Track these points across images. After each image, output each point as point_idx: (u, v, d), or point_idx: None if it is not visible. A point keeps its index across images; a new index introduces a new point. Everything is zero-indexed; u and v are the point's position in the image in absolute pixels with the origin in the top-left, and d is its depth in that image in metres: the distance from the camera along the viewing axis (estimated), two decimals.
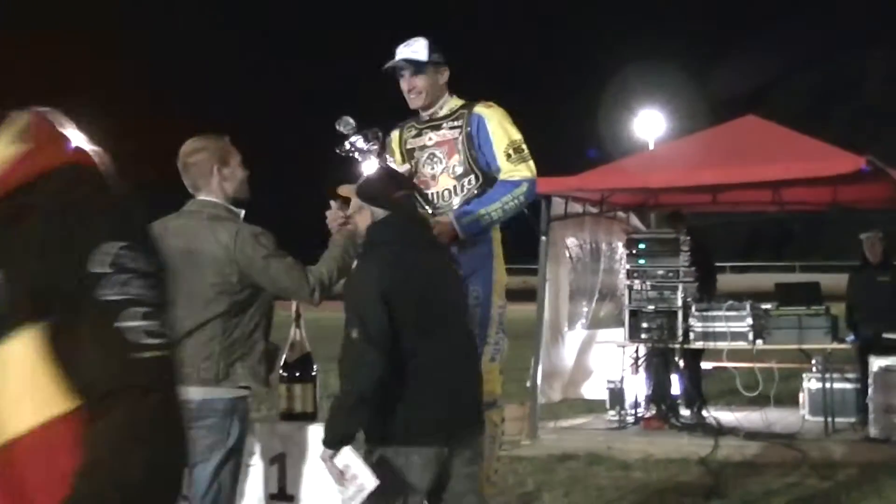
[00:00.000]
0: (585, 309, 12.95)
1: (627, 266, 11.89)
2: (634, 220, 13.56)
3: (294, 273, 5.00)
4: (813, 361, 11.82)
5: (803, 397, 11.92)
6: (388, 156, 6.06)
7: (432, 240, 5.17)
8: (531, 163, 6.03)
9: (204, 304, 4.88)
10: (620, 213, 13.51)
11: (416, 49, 6.03)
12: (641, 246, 11.81)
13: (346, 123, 5.89)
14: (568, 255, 12.63)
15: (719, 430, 11.04)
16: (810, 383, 11.84)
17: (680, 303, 11.54)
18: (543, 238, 11.85)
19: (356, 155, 5.91)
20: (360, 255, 4.95)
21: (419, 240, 4.98)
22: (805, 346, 11.48)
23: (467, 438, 4.89)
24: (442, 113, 6.13)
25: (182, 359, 2.28)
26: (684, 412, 11.79)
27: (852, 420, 11.37)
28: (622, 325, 12.04)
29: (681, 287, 11.56)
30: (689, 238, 11.78)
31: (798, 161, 11.10)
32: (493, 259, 6.09)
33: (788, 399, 12.60)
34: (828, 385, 11.33)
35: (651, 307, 11.63)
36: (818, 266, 46.55)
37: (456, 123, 6.09)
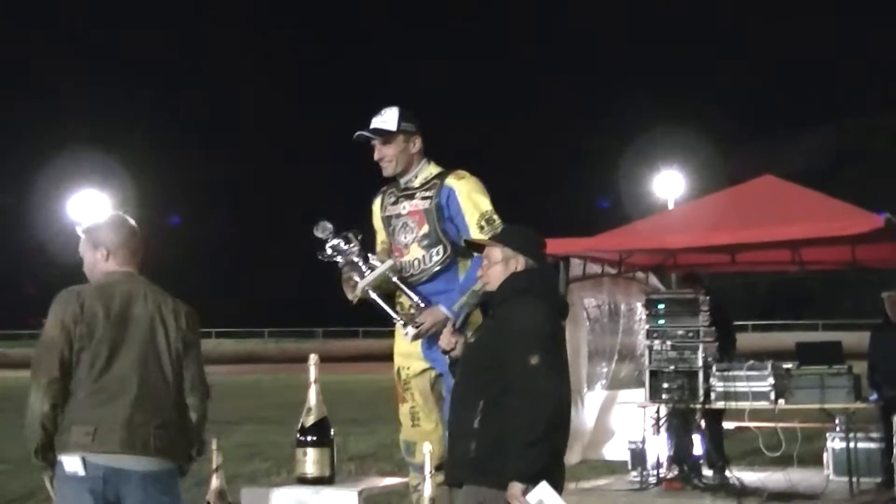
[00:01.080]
0: (605, 369, 12.91)
1: (647, 326, 11.84)
2: (653, 280, 13.53)
3: None
4: (836, 421, 11.72)
5: (827, 457, 11.82)
6: (370, 255, 6.05)
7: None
8: None
9: None
10: (639, 274, 13.48)
11: (386, 119, 6.15)
12: (660, 306, 11.76)
13: (323, 228, 5.96)
14: (586, 315, 12.61)
15: (742, 491, 10.94)
16: (834, 443, 11.75)
17: (700, 363, 11.47)
18: None
19: (338, 258, 5.95)
20: (507, 301, 4.98)
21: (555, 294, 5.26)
22: (827, 406, 11.39)
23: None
24: (416, 182, 6.24)
25: None
26: (706, 473, 11.69)
27: (878, 480, 11.26)
28: (642, 385, 11.96)
29: (701, 347, 11.50)
30: (708, 298, 11.73)
31: (816, 221, 11.09)
32: None
33: (812, 459, 12.48)
34: (851, 444, 11.23)
35: (671, 367, 11.57)
36: (839, 325, 46.31)
37: (428, 194, 6.19)
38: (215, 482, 5.68)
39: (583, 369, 12.48)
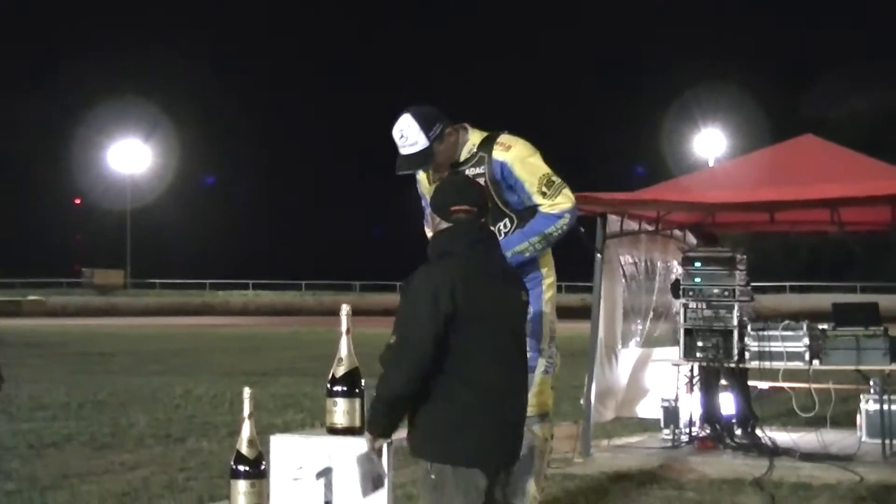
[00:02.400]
0: (640, 327, 12.88)
1: (683, 284, 11.80)
2: (691, 239, 13.47)
3: None
4: (871, 383, 11.68)
5: (860, 419, 11.78)
6: None
7: (496, 260, 5.04)
8: (567, 190, 5.97)
9: None
10: (677, 232, 13.42)
11: (412, 139, 5.81)
12: (697, 264, 11.72)
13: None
14: (623, 273, 12.57)
15: (774, 451, 10.93)
16: (868, 405, 11.70)
17: (735, 322, 11.44)
18: (599, 256, 11.80)
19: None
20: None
21: (481, 258, 4.90)
22: (862, 368, 11.34)
23: (509, 467, 4.95)
24: (462, 157, 6.01)
25: None
26: (739, 432, 11.70)
27: None
28: (677, 343, 11.95)
29: (736, 306, 11.47)
30: (745, 257, 11.68)
31: (857, 180, 11.00)
32: (543, 274, 6.10)
33: (845, 421, 12.47)
34: (885, 407, 11.20)
35: (706, 326, 11.54)
36: (880, 287, 45.99)
37: (478, 171, 5.95)
38: (246, 430, 5.72)
39: (618, 326, 12.46)
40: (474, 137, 6.03)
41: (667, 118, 75.82)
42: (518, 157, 5.93)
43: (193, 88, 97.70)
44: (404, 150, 5.80)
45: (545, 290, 6.10)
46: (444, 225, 4.84)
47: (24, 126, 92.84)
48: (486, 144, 5.98)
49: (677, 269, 12.62)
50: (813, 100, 71.95)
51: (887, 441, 11.00)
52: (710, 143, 73.20)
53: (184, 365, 24.37)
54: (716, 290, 11.57)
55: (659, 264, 13.23)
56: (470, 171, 5.96)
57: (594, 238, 11.81)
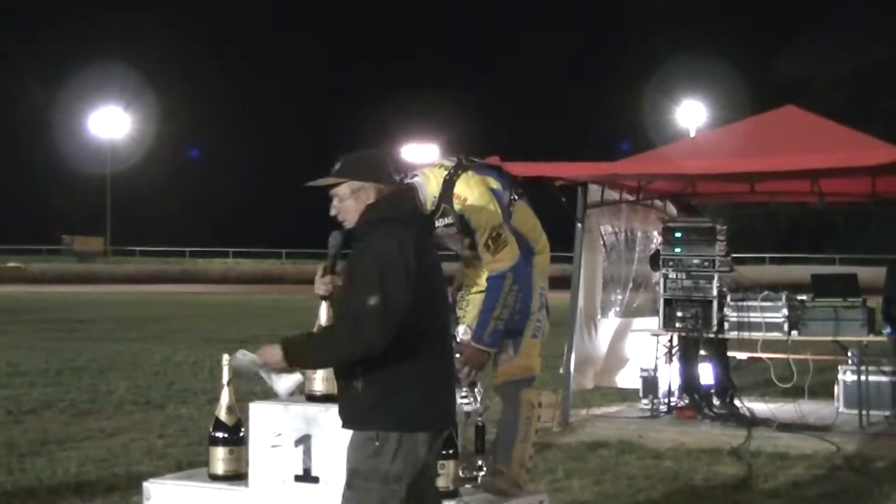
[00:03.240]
0: (619, 297, 12.90)
1: (663, 254, 11.82)
2: (671, 209, 13.48)
3: None
4: (849, 354, 11.74)
5: (838, 390, 11.84)
6: None
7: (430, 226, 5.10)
8: (512, 245, 6.01)
9: None
10: (657, 202, 13.43)
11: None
12: (677, 235, 11.74)
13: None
14: (603, 242, 12.58)
15: (752, 421, 10.99)
16: (845, 376, 11.77)
17: (715, 292, 11.47)
18: (579, 225, 11.81)
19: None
20: (366, 234, 4.74)
21: (422, 222, 4.95)
22: (841, 338, 11.39)
23: (446, 430, 4.98)
24: (428, 208, 6.01)
25: None
26: (717, 402, 11.75)
27: (887, 413, 11.31)
28: (656, 314, 11.98)
29: (716, 277, 11.50)
30: (725, 228, 11.71)
31: (837, 151, 11.02)
32: (534, 241, 6.16)
33: (823, 391, 12.55)
34: (863, 378, 11.26)
35: (686, 296, 11.57)
36: (858, 259, 46.20)
37: (448, 220, 6.04)
38: (225, 397, 5.72)
39: (597, 296, 12.48)
40: (432, 185, 6.03)
41: (646, 91, 75.87)
42: (473, 208, 6.00)
43: (174, 54, 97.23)
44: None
45: (537, 254, 6.15)
46: (380, 189, 4.77)
47: (3, 91, 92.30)
48: (445, 197, 6.02)
49: (657, 240, 12.64)
50: (790, 64, 72.01)
51: (864, 412, 11.07)
52: (690, 114, 73.31)
53: (163, 332, 24.34)
54: (695, 261, 11.59)
55: (639, 234, 13.24)
56: (441, 224, 6.03)
57: (575, 207, 11.82)
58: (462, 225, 6.02)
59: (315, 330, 5.03)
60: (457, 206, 6.00)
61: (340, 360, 4.70)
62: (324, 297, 5.07)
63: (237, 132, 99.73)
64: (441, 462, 5.31)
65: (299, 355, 4.69)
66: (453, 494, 5.46)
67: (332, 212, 4.82)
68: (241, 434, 5.65)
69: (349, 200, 4.76)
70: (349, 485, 4.67)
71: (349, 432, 4.77)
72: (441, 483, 5.34)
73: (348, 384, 4.68)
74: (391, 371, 4.59)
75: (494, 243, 5.96)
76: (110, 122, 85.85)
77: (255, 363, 4.78)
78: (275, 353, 4.68)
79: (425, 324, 4.65)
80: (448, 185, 6.02)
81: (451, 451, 5.42)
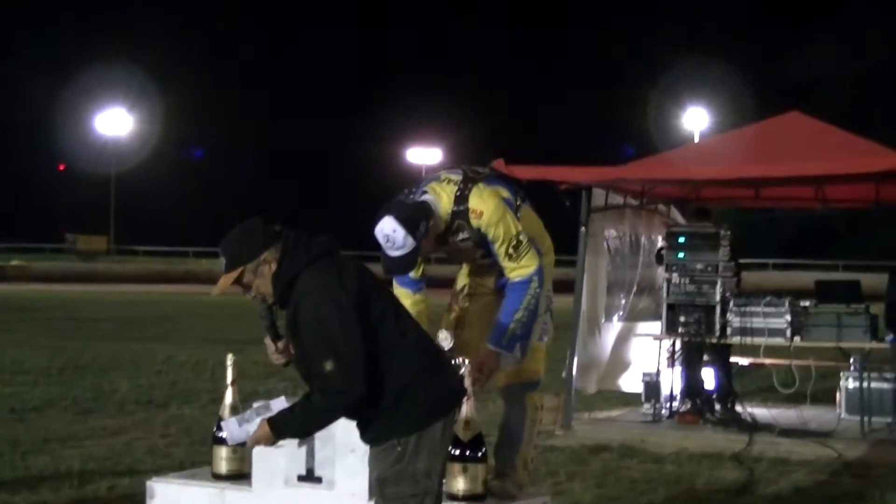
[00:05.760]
0: (623, 301, 12.89)
1: (666, 259, 11.83)
2: (675, 214, 13.49)
3: None
4: (851, 360, 11.74)
5: (840, 396, 11.84)
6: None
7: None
8: (532, 252, 5.98)
9: None
10: (661, 207, 13.44)
11: (399, 244, 5.69)
12: (681, 240, 11.75)
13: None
14: (607, 246, 12.58)
15: (754, 427, 10.99)
16: (848, 382, 11.76)
17: (718, 297, 11.48)
18: (583, 229, 11.81)
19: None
20: (290, 303, 4.66)
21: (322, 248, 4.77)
22: (843, 345, 11.39)
23: (459, 404, 5.01)
24: (442, 228, 5.95)
25: None
26: (719, 407, 11.75)
27: (889, 420, 11.31)
28: (659, 318, 11.99)
29: (719, 282, 11.51)
30: (728, 233, 11.71)
31: (842, 157, 11.03)
32: (540, 244, 6.16)
33: (825, 397, 12.55)
34: (865, 384, 11.26)
35: (689, 301, 11.58)
36: (862, 266, 46.10)
37: (463, 235, 5.99)
38: (229, 397, 5.74)
39: (601, 300, 12.47)
40: (444, 202, 5.95)
41: (652, 97, 75.81)
42: (490, 222, 5.92)
43: (178, 54, 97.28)
44: (391, 253, 5.70)
45: (543, 256, 6.17)
46: (274, 254, 4.67)
47: (8, 91, 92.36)
48: (460, 213, 5.95)
49: (662, 245, 12.63)
50: (797, 68, 71.88)
51: (866, 418, 11.07)
52: (695, 120, 73.29)
53: (166, 331, 24.36)
54: (699, 266, 11.60)
55: (643, 239, 13.24)
56: (457, 239, 6.00)
57: (579, 211, 11.82)
58: (479, 238, 5.99)
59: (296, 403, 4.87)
60: (474, 222, 5.93)
61: (327, 424, 4.80)
62: (285, 365, 4.94)
63: (241, 132, 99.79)
64: (466, 465, 5.35)
65: (287, 431, 4.75)
66: (481, 498, 5.46)
67: (249, 298, 4.74)
68: None
69: (256, 281, 4.68)
70: (381, 494, 4.69)
71: (353, 431, 4.80)
72: (468, 486, 5.37)
73: (361, 413, 4.71)
74: (389, 389, 4.62)
75: (516, 251, 5.92)
76: (115, 122, 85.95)
77: (247, 442, 4.87)
78: (264, 433, 4.72)
79: (389, 333, 4.65)
80: (461, 200, 5.95)
81: (479, 454, 5.41)
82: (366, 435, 4.76)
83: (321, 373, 4.54)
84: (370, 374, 4.55)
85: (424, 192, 5.97)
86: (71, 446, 9.96)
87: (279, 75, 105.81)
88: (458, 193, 5.95)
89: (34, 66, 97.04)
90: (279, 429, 4.69)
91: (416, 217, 5.70)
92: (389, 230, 5.59)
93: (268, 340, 4.85)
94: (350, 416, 4.69)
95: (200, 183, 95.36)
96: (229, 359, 5.75)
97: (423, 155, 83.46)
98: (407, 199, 6.01)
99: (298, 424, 4.74)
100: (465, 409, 5.27)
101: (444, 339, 5.62)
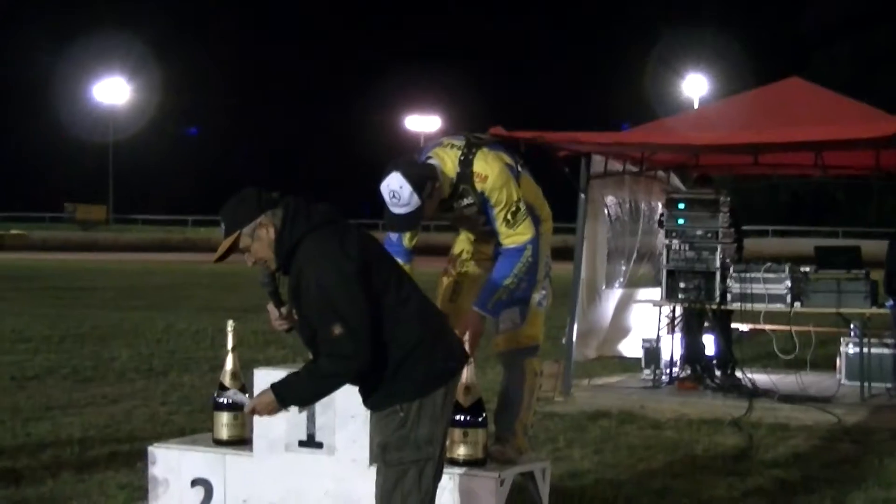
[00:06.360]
0: (623, 268, 12.90)
1: (666, 226, 11.82)
2: (675, 180, 13.47)
3: None
4: (851, 326, 11.75)
5: (840, 362, 11.87)
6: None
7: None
8: (529, 220, 5.98)
9: None
10: (661, 173, 13.42)
11: (404, 200, 5.67)
12: (681, 206, 11.72)
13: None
14: (607, 213, 12.57)
15: (754, 392, 11.01)
16: (848, 348, 11.79)
17: (718, 264, 11.47)
18: (582, 196, 11.79)
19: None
20: (293, 268, 4.65)
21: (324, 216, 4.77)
22: (843, 311, 11.39)
23: (463, 368, 4.98)
24: (447, 193, 5.94)
25: None
26: (719, 373, 11.77)
27: (888, 385, 11.33)
28: (659, 285, 11.99)
29: (719, 248, 11.50)
30: (728, 199, 11.69)
31: (840, 123, 11.00)
32: (539, 211, 6.16)
33: (825, 363, 12.57)
34: (865, 350, 11.28)
35: (689, 267, 11.57)
36: (862, 232, 46.14)
37: (468, 200, 5.99)
38: (229, 364, 5.74)
39: (601, 267, 12.48)
40: (448, 167, 5.93)
41: (650, 63, 75.62)
42: (494, 186, 5.93)
43: (177, 24, 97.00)
44: (395, 210, 5.68)
45: (541, 223, 6.15)
46: (275, 218, 4.67)
47: (5, 59, 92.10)
48: (465, 177, 5.94)
49: (661, 210, 12.62)
50: (798, 34, 71.72)
51: (866, 384, 11.09)
52: (694, 86, 73.12)
53: (166, 300, 24.36)
54: (699, 232, 11.58)
55: (643, 205, 13.23)
56: (461, 205, 5.99)
57: (578, 178, 11.80)
58: (482, 203, 5.98)
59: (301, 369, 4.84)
60: (478, 186, 5.92)
61: (334, 390, 4.77)
62: (288, 331, 4.92)
63: (240, 102, 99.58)
64: (467, 430, 5.37)
65: (292, 397, 4.71)
66: (482, 463, 5.47)
67: (249, 264, 4.72)
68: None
69: (254, 245, 4.66)
70: (383, 459, 4.69)
71: (353, 398, 4.80)
72: (469, 451, 5.39)
73: (364, 378, 4.70)
74: (392, 356, 4.61)
75: (514, 217, 5.93)
76: (113, 91, 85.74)
77: (246, 410, 4.86)
78: (267, 400, 4.69)
79: (392, 300, 4.64)
80: (465, 164, 5.94)
81: (480, 420, 5.44)
82: (368, 401, 4.76)
83: (328, 338, 4.53)
84: (374, 341, 4.56)
85: (429, 158, 5.96)
86: (71, 414, 9.96)
87: (278, 44, 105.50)
88: (462, 158, 5.95)
89: (31, 34, 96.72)
90: (283, 395, 4.66)
91: (423, 175, 5.69)
92: (396, 186, 5.57)
93: (270, 307, 4.83)
94: (355, 382, 4.69)
95: (198, 153, 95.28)
96: (230, 325, 5.75)
97: (422, 122, 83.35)
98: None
99: (305, 390, 4.71)
100: (466, 374, 5.27)
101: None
